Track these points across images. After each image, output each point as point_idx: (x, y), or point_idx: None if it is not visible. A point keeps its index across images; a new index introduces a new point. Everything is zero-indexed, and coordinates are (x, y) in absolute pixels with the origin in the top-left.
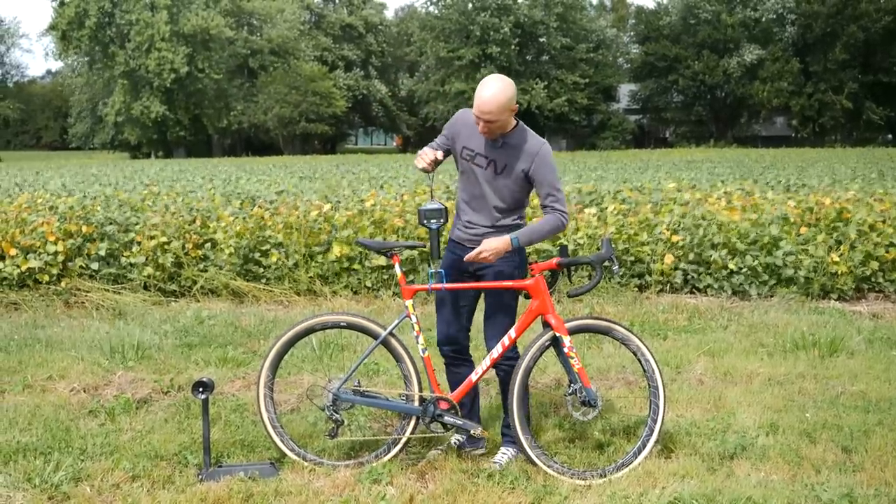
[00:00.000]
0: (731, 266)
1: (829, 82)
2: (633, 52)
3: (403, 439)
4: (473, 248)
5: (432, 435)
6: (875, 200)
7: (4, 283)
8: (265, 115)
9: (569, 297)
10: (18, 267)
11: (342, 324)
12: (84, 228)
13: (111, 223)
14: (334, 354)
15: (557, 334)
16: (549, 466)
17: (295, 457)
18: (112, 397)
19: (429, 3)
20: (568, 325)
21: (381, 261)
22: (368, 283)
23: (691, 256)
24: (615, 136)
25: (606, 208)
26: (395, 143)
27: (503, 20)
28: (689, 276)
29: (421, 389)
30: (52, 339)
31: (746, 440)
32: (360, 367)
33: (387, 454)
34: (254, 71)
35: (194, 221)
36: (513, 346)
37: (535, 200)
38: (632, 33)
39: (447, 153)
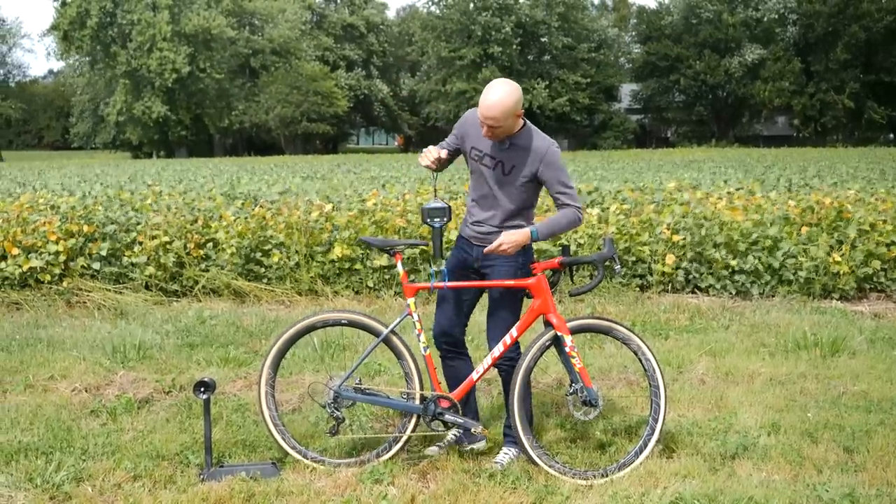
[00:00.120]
0: (733, 264)
1: (831, 82)
2: (635, 52)
3: (404, 438)
4: (480, 246)
5: (433, 433)
6: (877, 200)
7: (6, 282)
8: (267, 114)
9: (570, 296)
10: (20, 266)
11: (343, 321)
12: (86, 228)
13: (113, 223)
14: (335, 354)
15: (559, 334)
16: (550, 466)
17: (297, 455)
18: (114, 397)
19: (430, 3)
20: (569, 324)
21: (383, 261)
22: (370, 283)
23: (691, 256)
24: (617, 135)
25: (608, 208)
26: (396, 143)
27: (504, 20)
28: (690, 276)
29: (422, 388)
30: (53, 339)
31: (748, 440)
32: (362, 367)
33: (388, 452)
34: (255, 71)
35: (196, 221)
36: (515, 346)
37: (547, 200)
38: (633, 33)
39: (456, 153)
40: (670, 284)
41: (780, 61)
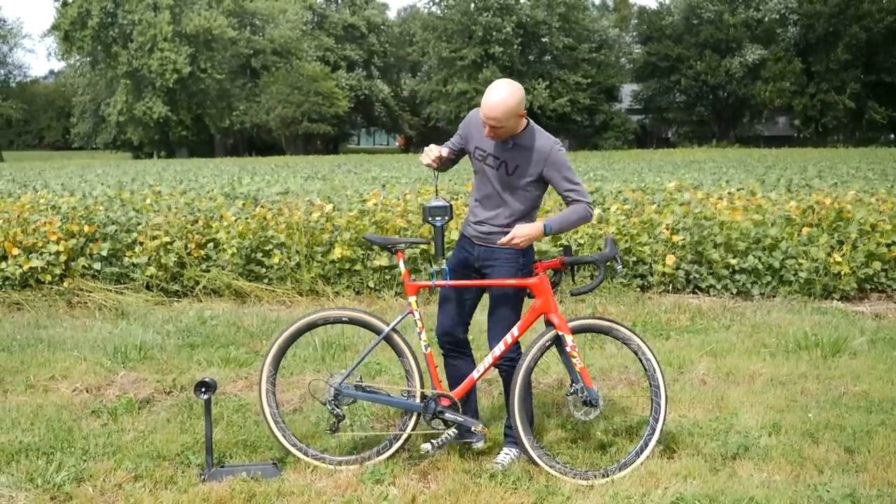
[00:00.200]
0: (733, 264)
1: (832, 82)
2: (636, 52)
3: (404, 436)
4: (482, 246)
5: (433, 431)
6: (877, 200)
7: (7, 282)
8: (267, 115)
9: (572, 295)
10: (21, 267)
11: (344, 319)
12: (86, 228)
13: (113, 223)
14: (336, 354)
15: (560, 333)
16: (551, 467)
17: (297, 453)
18: (114, 397)
19: (431, 4)
20: (570, 324)
21: (384, 261)
22: (371, 284)
23: (691, 256)
24: (617, 136)
25: (609, 208)
26: (397, 144)
27: (505, 20)
28: (691, 277)
29: (423, 386)
30: (54, 339)
31: (749, 440)
32: (362, 367)
33: (388, 450)
34: (256, 71)
35: (197, 221)
36: (515, 346)
37: (548, 202)
38: (634, 33)
39: (460, 153)
40: (671, 285)
41: (780, 61)
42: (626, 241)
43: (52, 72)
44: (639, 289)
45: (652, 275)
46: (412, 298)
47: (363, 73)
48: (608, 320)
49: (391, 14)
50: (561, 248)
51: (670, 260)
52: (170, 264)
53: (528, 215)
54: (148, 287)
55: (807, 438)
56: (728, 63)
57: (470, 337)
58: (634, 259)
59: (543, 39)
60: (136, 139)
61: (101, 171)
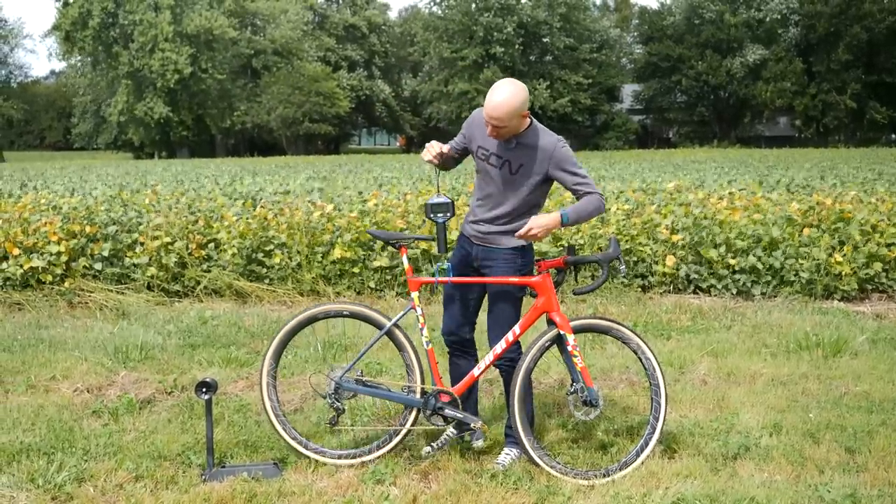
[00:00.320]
0: (733, 264)
1: (833, 82)
2: (637, 53)
3: (404, 431)
4: (480, 245)
5: (431, 428)
6: (877, 200)
7: (8, 283)
8: (268, 115)
9: (574, 295)
10: (21, 267)
11: (345, 313)
12: (87, 228)
13: (114, 223)
14: (338, 354)
15: (562, 332)
16: (551, 467)
17: (297, 446)
18: (115, 397)
19: (432, 4)
20: (571, 323)
21: (384, 261)
22: (372, 284)
23: (691, 257)
24: (618, 136)
25: (609, 209)
26: (398, 144)
27: (506, 20)
28: (691, 277)
29: (423, 381)
30: (55, 340)
31: (750, 440)
32: (363, 366)
33: (388, 444)
34: (257, 71)
35: (197, 222)
36: (516, 346)
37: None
38: (635, 33)
39: (464, 153)
40: (672, 285)
41: (781, 62)
42: (627, 241)
43: (52, 72)
44: (640, 289)
45: (652, 275)
46: (415, 294)
47: (364, 74)
48: (608, 320)
49: (392, 14)
50: (561, 249)
51: (670, 260)
52: (171, 264)
53: (527, 216)
54: (149, 287)
55: (808, 438)
56: (729, 63)
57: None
58: (635, 259)
59: (544, 40)
60: (137, 139)
61: (101, 171)
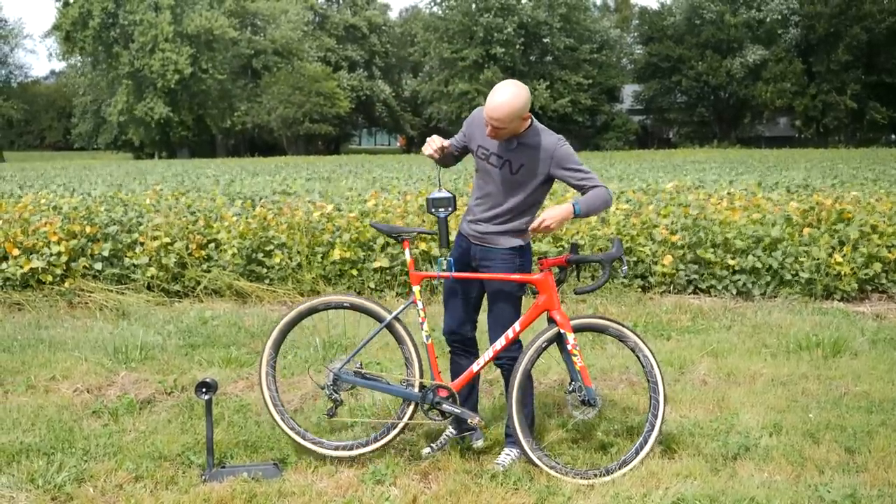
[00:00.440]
0: (732, 264)
1: (833, 83)
2: (637, 53)
3: (401, 424)
4: (479, 245)
5: (428, 422)
6: (876, 201)
7: (8, 283)
8: (269, 115)
9: (575, 294)
10: (21, 267)
11: (346, 304)
12: (87, 229)
13: (114, 223)
14: (338, 354)
15: (562, 331)
16: (551, 467)
17: (294, 436)
18: (115, 398)
19: (432, 4)
20: (571, 322)
21: (384, 262)
22: (371, 284)
23: (690, 257)
24: (619, 136)
25: (609, 209)
26: (398, 144)
27: (507, 21)
28: (691, 278)
29: (422, 376)
30: (55, 340)
31: (750, 441)
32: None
33: (385, 437)
34: (257, 71)
35: (197, 222)
36: (518, 345)
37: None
38: (635, 34)
39: (463, 150)
40: (671, 285)
41: (781, 62)
42: (627, 241)
43: (53, 72)
44: (640, 289)
45: (652, 275)
46: (416, 289)
47: (364, 74)
48: (604, 318)
49: (392, 14)
50: (560, 249)
51: (667, 260)
52: (170, 265)
53: (526, 216)
54: (149, 287)
55: (807, 439)
56: (729, 64)
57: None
58: (635, 259)
59: (545, 40)
60: (137, 140)
61: (101, 171)
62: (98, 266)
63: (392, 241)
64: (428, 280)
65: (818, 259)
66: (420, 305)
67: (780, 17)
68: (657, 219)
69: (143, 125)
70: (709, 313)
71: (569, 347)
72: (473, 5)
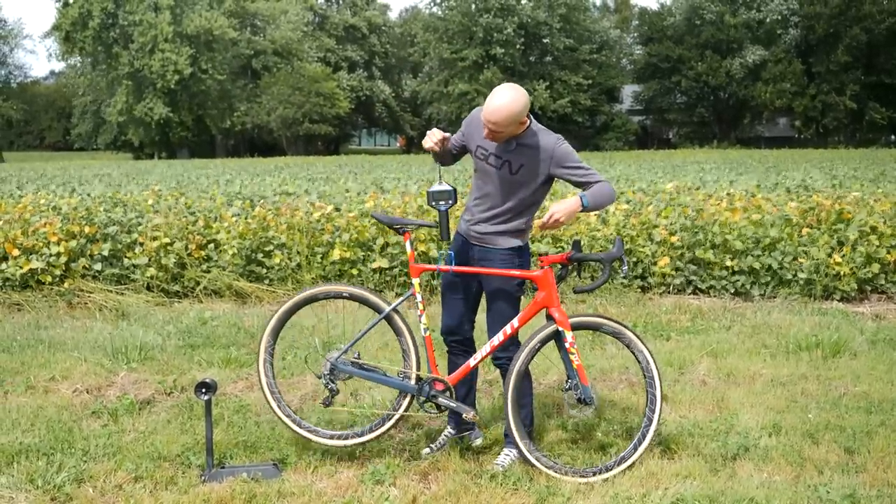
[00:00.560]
0: (731, 265)
1: (832, 83)
2: (637, 53)
3: (396, 415)
4: (478, 246)
5: (423, 415)
6: (875, 201)
7: (7, 283)
8: (268, 115)
9: (574, 293)
10: (21, 268)
11: (345, 294)
12: (87, 229)
13: (114, 224)
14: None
15: (560, 329)
16: (549, 467)
17: (290, 423)
18: (115, 398)
19: (432, 5)
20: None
21: (383, 262)
22: (371, 285)
23: (689, 257)
24: (618, 137)
25: (609, 209)
26: (398, 144)
27: (507, 21)
28: (690, 279)
29: (419, 368)
30: (54, 340)
31: (749, 441)
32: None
33: (380, 427)
34: (257, 72)
35: (197, 222)
36: (516, 345)
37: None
38: (635, 34)
39: (462, 150)
40: (671, 286)
41: (781, 63)
42: (626, 242)
43: (52, 72)
44: (639, 289)
45: (652, 276)
46: (416, 281)
47: (364, 74)
48: (599, 316)
49: (392, 15)
50: (559, 250)
51: (662, 261)
52: (170, 265)
53: (525, 216)
54: (148, 288)
55: (807, 439)
56: (729, 64)
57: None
58: (634, 260)
59: (544, 40)
60: (137, 140)
61: (103, 171)
62: (97, 266)
63: (391, 241)
64: (428, 278)
65: (817, 259)
66: (419, 298)
67: (779, 17)
68: (657, 219)
69: (143, 125)
70: (708, 314)
71: (566, 345)
72: (473, 6)
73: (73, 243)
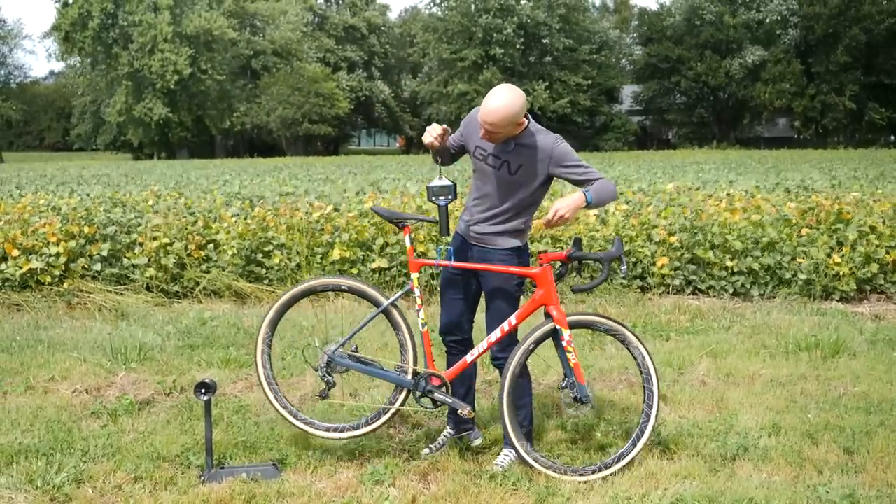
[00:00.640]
0: (731, 265)
1: (832, 84)
2: (636, 54)
3: (392, 409)
4: (477, 246)
5: (419, 409)
6: (874, 201)
7: (7, 284)
8: (268, 116)
9: (572, 292)
10: (20, 268)
11: (343, 287)
12: (86, 229)
13: (113, 224)
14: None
15: (558, 327)
16: (547, 467)
17: (287, 415)
18: (114, 398)
19: (432, 5)
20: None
21: (383, 263)
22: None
23: (689, 258)
24: (618, 137)
25: (608, 210)
26: (397, 145)
27: (506, 21)
28: (690, 279)
29: (416, 363)
30: (54, 341)
31: (748, 441)
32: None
33: (376, 421)
34: (257, 72)
35: (196, 222)
36: (514, 342)
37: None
38: (634, 35)
39: (461, 149)
40: (670, 286)
41: (780, 63)
42: (626, 242)
43: (52, 73)
44: (639, 290)
45: (651, 276)
46: (414, 276)
47: (364, 75)
48: (592, 314)
49: (392, 15)
50: (558, 251)
51: (661, 262)
52: (170, 265)
53: (524, 216)
54: (148, 288)
55: (806, 439)
56: (728, 64)
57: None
58: (634, 260)
59: (544, 41)
60: (136, 140)
61: (102, 172)
62: (97, 267)
63: (390, 241)
64: (428, 279)
65: (817, 260)
66: (417, 293)
67: (779, 18)
68: (656, 219)
69: (142, 126)
70: (708, 314)
71: (563, 344)
72: (473, 6)
73: (72, 243)
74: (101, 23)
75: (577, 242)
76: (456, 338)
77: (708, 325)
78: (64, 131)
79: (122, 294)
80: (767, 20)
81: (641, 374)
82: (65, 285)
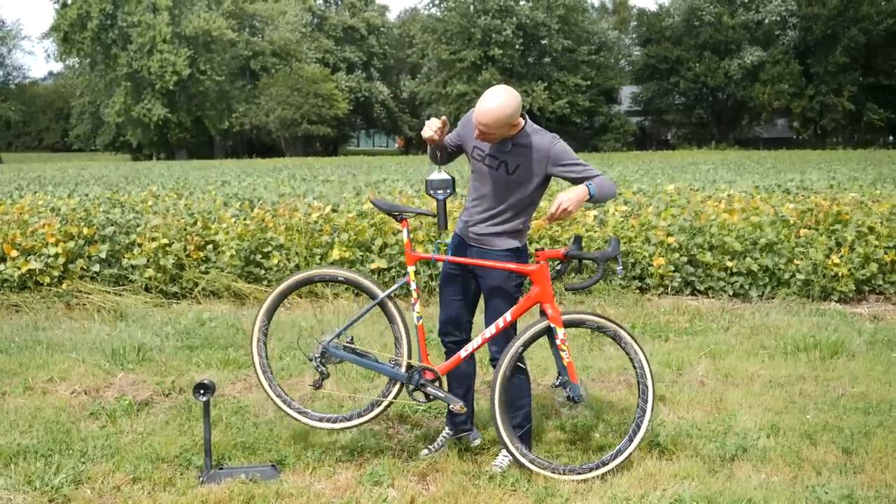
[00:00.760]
0: (729, 266)
1: (830, 85)
2: (635, 55)
3: (385, 402)
4: (476, 247)
5: (412, 403)
6: (872, 202)
7: (5, 284)
8: (267, 116)
9: (567, 290)
10: (19, 269)
11: (340, 278)
12: (85, 230)
13: (112, 224)
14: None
15: (552, 325)
16: (543, 468)
17: (281, 404)
18: (113, 399)
19: (431, 6)
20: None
21: (382, 263)
22: None
23: (686, 258)
24: (617, 138)
25: (608, 210)
26: (396, 145)
27: (505, 22)
28: (689, 279)
29: (410, 356)
30: (52, 341)
31: (747, 442)
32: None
33: (369, 413)
34: (256, 73)
35: (195, 223)
36: (509, 338)
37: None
38: (633, 35)
39: (458, 149)
40: (669, 287)
41: (779, 64)
42: (625, 242)
43: (51, 73)
44: (638, 290)
45: (650, 276)
46: (411, 269)
47: (363, 75)
48: (582, 313)
49: (391, 16)
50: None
51: (658, 262)
52: (168, 266)
53: (522, 217)
54: (147, 289)
55: (805, 440)
56: (727, 65)
57: (464, 337)
58: (632, 261)
59: (543, 41)
60: (135, 141)
61: (98, 173)
62: (96, 267)
63: (390, 242)
64: (427, 279)
65: (815, 260)
66: (413, 286)
67: (777, 18)
68: (656, 220)
69: (141, 126)
70: (707, 314)
71: (557, 342)
72: (471, 7)
73: (71, 244)
74: (99, 23)
75: (577, 241)
76: (454, 338)
77: (707, 325)
78: (63, 132)
79: (120, 295)
80: (766, 21)
81: (635, 369)
82: (63, 286)
